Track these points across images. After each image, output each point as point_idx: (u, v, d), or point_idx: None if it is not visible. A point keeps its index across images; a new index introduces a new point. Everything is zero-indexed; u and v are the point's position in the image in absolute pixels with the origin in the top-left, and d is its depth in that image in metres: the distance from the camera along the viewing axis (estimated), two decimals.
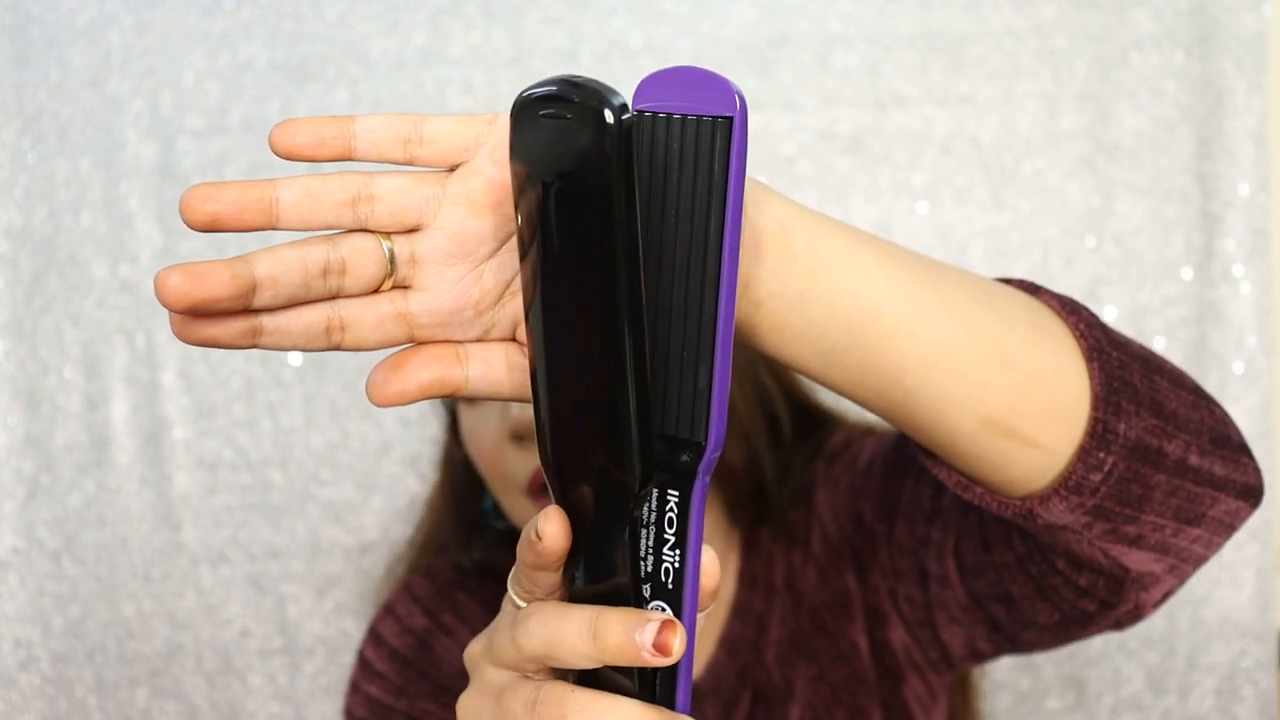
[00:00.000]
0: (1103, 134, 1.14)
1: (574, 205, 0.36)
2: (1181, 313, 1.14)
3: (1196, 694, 1.15)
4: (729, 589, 0.80)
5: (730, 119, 0.37)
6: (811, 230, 0.44)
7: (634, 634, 0.38)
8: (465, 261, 0.41)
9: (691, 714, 0.78)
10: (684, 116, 0.38)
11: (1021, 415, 0.48)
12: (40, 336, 1.20)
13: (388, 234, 0.40)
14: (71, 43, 1.19)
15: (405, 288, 0.41)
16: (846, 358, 0.46)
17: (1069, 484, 0.49)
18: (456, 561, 0.88)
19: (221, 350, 1.17)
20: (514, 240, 0.41)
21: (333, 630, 1.19)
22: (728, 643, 0.79)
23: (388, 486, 1.18)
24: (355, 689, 0.86)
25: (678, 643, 0.38)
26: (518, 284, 0.42)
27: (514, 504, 0.78)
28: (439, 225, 0.41)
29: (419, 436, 1.16)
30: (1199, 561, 0.55)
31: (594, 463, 0.38)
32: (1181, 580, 0.56)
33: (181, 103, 1.18)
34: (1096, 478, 0.49)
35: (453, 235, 0.41)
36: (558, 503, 0.40)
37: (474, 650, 0.44)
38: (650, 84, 0.39)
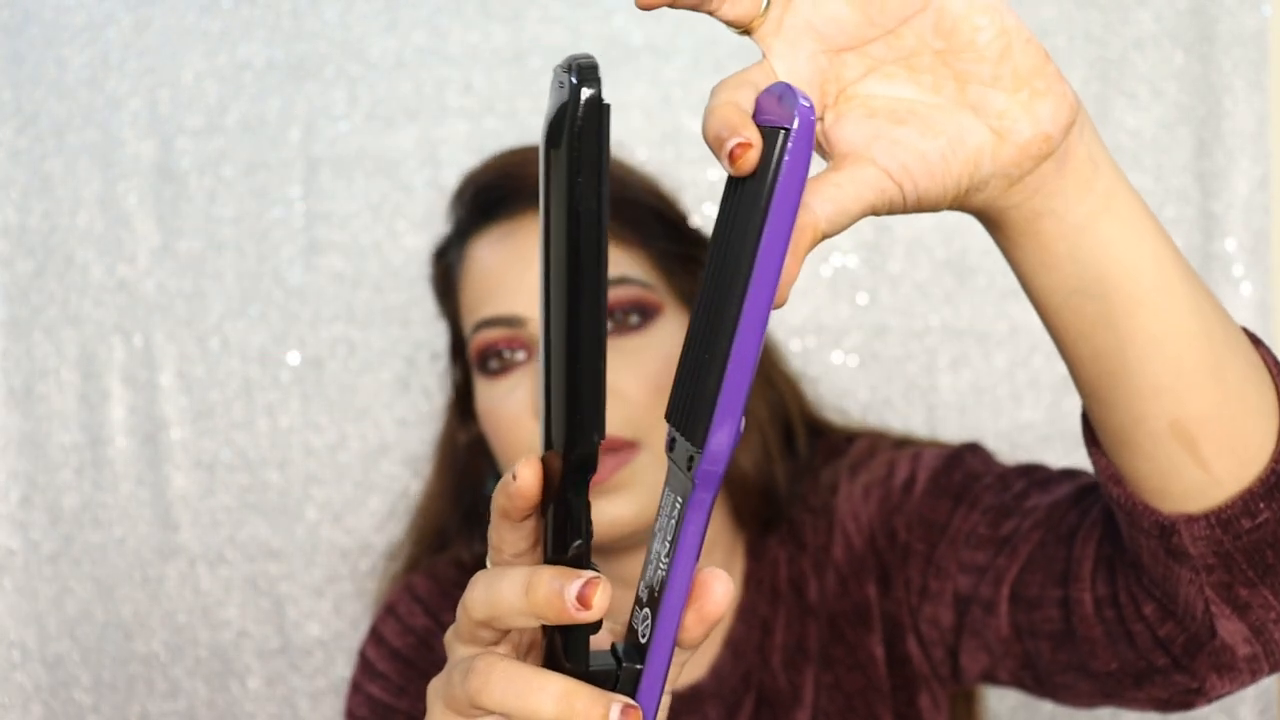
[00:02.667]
0: (1103, 134, 1.12)
1: (550, 168, 0.37)
2: None
3: None
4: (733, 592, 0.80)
5: (787, 130, 0.37)
6: (1114, 176, 0.48)
7: (563, 587, 0.38)
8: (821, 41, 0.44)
9: (694, 714, 0.78)
10: (761, 126, 0.39)
11: (1209, 433, 0.49)
12: (37, 336, 1.20)
13: None
14: (69, 41, 1.19)
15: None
16: (1089, 304, 0.47)
17: (1221, 517, 0.49)
18: (458, 559, 0.88)
19: (219, 349, 1.16)
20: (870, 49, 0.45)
21: (331, 631, 1.19)
22: (732, 645, 0.79)
23: (386, 487, 1.18)
24: (356, 689, 0.86)
25: (598, 597, 0.38)
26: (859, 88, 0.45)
27: None
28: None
29: (418, 437, 1.16)
30: (1276, 668, 0.54)
31: (556, 432, 0.39)
32: (1254, 678, 0.55)
33: (180, 101, 1.18)
34: (1247, 523, 0.49)
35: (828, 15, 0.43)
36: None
37: (448, 635, 0.45)
38: (763, 98, 0.41)
